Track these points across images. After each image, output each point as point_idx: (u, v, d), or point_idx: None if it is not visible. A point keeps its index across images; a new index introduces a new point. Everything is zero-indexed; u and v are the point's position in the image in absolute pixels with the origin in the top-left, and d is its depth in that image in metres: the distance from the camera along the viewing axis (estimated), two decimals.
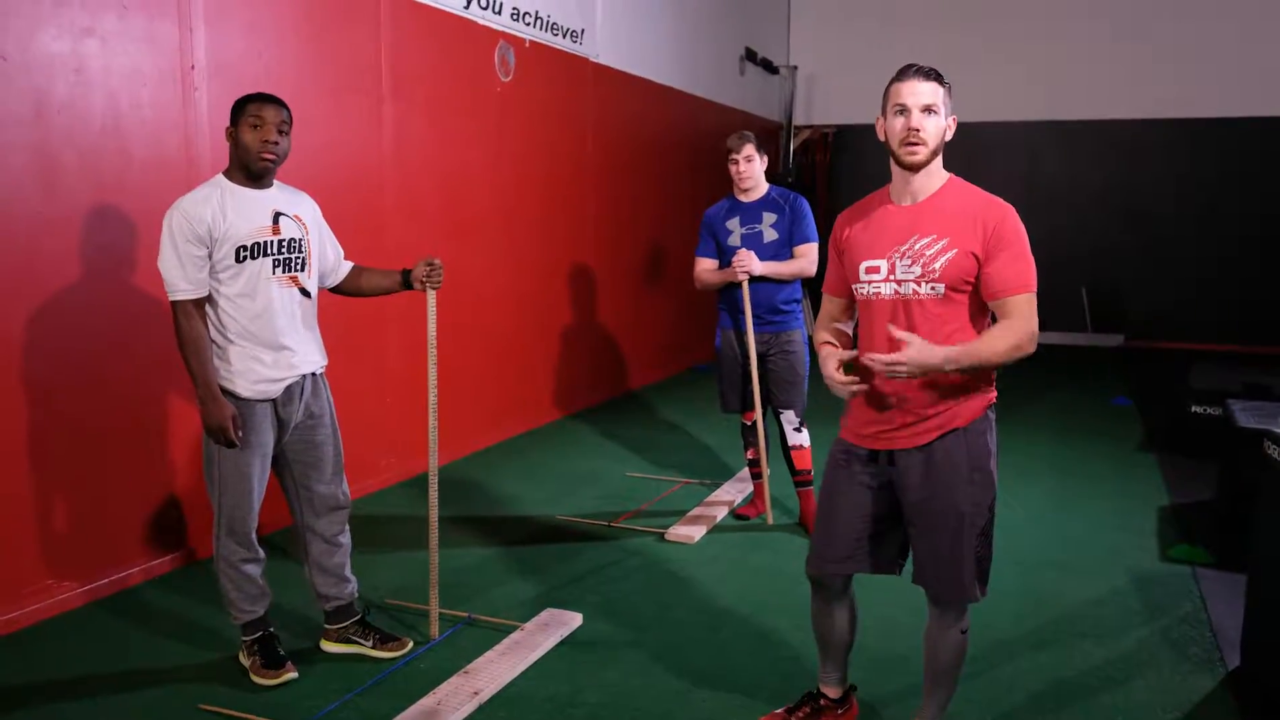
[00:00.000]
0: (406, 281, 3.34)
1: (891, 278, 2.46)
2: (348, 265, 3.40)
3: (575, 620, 3.60)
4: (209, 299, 3.01)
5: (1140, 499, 5.20)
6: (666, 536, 4.55)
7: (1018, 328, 2.38)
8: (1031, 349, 2.39)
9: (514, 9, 6.27)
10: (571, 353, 7.28)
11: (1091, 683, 3.20)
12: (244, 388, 3.03)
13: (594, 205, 7.53)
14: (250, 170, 3.03)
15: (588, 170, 7.42)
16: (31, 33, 3.50)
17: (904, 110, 2.42)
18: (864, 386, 2.48)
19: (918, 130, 2.39)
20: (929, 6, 11.48)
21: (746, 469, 5.23)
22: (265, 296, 3.05)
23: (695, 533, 4.56)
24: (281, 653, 3.23)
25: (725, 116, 9.99)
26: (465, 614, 3.66)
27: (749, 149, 4.47)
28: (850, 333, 2.76)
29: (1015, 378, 8.99)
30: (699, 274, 4.67)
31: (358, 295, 3.47)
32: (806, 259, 4.47)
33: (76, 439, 3.74)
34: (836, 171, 12.12)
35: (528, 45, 6.47)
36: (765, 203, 4.52)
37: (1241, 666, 3.27)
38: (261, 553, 3.21)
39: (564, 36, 6.91)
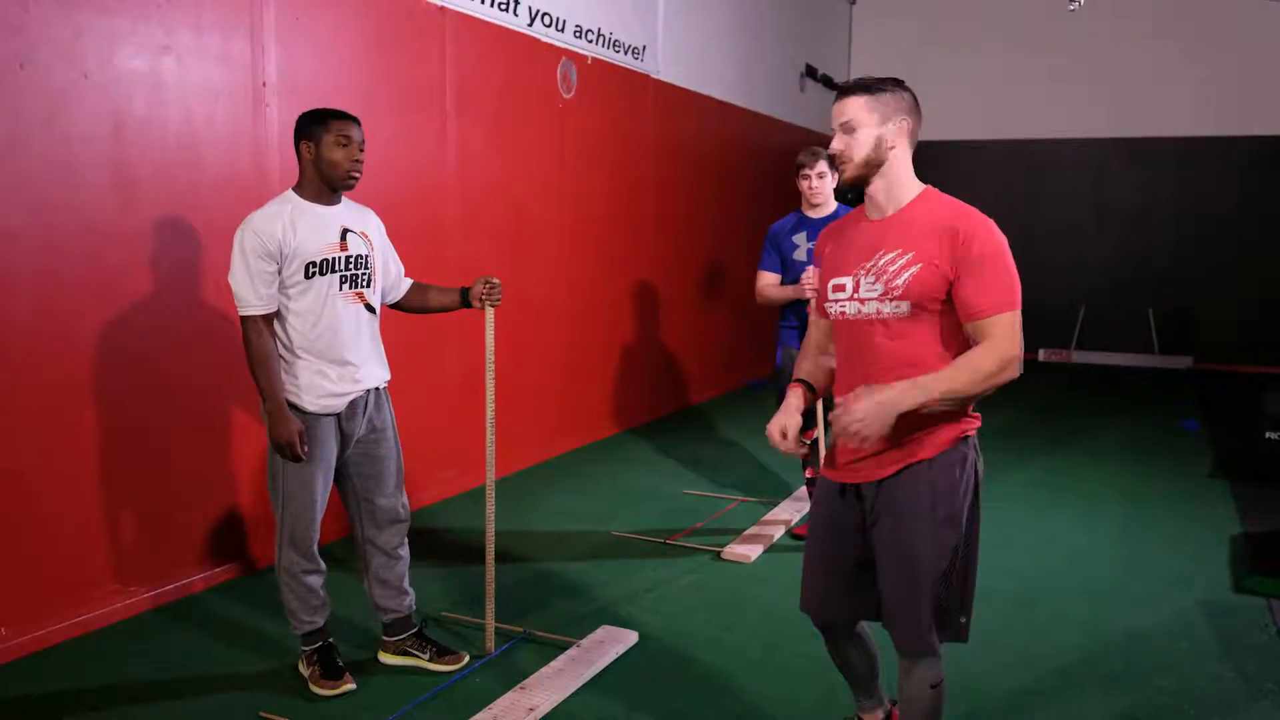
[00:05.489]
0: (465, 299, 3.37)
1: (855, 296, 2.31)
2: (408, 282, 3.44)
3: (631, 638, 3.59)
4: (277, 314, 3.06)
5: (1212, 527, 5.05)
6: (722, 555, 4.52)
7: (996, 352, 2.13)
8: (1013, 374, 2.15)
9: (577, 26, 6.32)
10: (630, 368, 7.29)
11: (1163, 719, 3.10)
12: (309, 402, 3.08)
13: (654, 221, 7.54)
14: (334, 186, 3.09)
15: (648, 186, 7.43)
16: (111, 51, 3.60)
17: (835, 131, 2.38)
18: (805, 451, 2.38)
19: (839, 150, 2.34)
20: (991, 24, 11.31)
21: (804, 488, 5.18)
22: (332, 312, 3.09)
23: (752, 552, 4.52)
24: (340, 663, 3.26)
25: (785, 133, 9.96)
26: (521, 629, 3.66)
27: (822, 165, 4.44)
28: (832, 367, 2.53)
29: (1081, 401, 8.87)
30: (761, 288, 4.63)
31: (417, 312, 3.50)
32: None
33: (145, 448, 3.82)
34: None
35: (590, 62, 6.51)
36: (833, 220, 4.48)
37: None
38: (323, 564, 3.25)
39: (625, 53, 6.94)
